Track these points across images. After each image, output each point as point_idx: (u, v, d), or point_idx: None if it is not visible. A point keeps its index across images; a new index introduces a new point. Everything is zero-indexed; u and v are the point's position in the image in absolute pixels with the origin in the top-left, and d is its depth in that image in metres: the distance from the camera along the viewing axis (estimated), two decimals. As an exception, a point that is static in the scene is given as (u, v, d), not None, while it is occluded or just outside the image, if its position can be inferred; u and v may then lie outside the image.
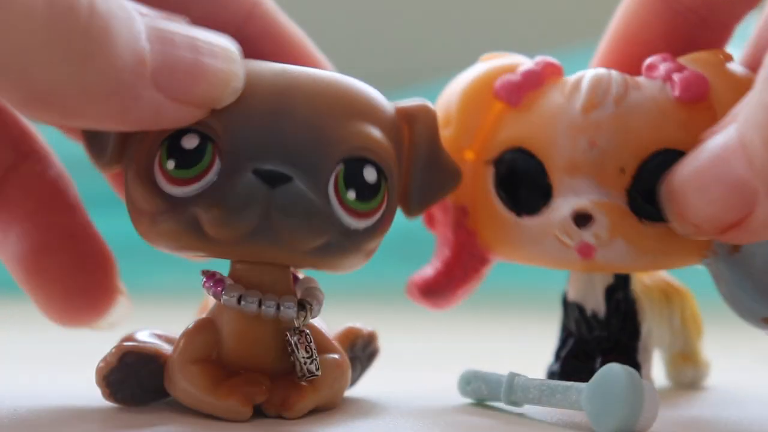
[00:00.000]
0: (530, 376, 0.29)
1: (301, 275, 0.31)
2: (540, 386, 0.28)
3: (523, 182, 0.29)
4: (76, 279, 0.32)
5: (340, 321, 0.32)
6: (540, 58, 0.29)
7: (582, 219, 0.28)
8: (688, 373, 0.33)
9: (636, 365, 0.30)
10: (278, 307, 0.28)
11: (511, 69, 0.30)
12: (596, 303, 0.30)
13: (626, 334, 0.30)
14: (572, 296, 0.31)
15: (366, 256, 0.29)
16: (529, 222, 0.29)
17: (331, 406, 0.30)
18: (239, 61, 0.27)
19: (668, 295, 0.32)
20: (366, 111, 0.28)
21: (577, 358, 0.30)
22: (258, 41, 0.31)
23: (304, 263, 0.29)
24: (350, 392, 0.32)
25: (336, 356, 0.30)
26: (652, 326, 0.31)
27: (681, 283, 0.33)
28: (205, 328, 0.29)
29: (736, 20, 0.31)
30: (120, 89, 0.24)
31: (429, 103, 0.30)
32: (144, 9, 0.25)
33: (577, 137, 0.28)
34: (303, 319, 0.29)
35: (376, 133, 0.28)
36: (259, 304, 0.28)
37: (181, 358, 0.29)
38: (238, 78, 0.27)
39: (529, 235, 0.29)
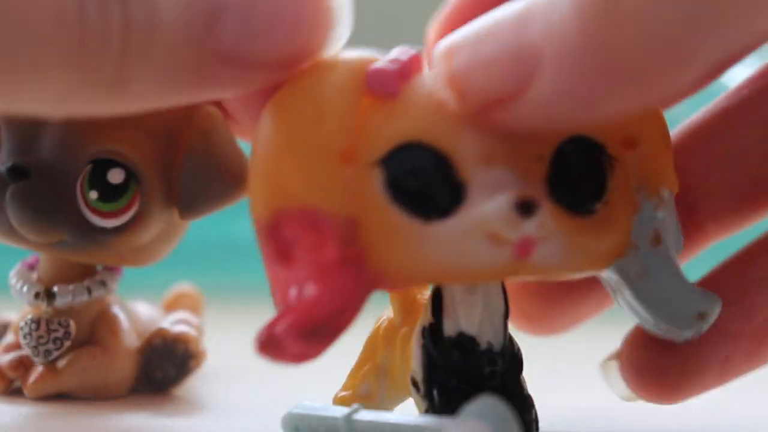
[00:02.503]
0: (372, 414, 0.25)
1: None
2: (385, 427, 0.24)
3: (427, 181, 0.24)
4: None
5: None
6: (407, 51, 0.25)
7: (527, 207, 0.24)
8: None
9: (526, 398, 0.27)
10: (22, 289, 0.32)
11: (374, 60, 0.25)
12: (494, 334, 0.26)
13: (514, 364, 0.27)
14: (459, 327, 0.26)
15: (135, 253, 0.31)
16: (441, 227, 0.24)
17: (89, 394, 0.33)
18: None
19: None
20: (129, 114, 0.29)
21: (462, 396, 0.25)
22: None
23: (68, 255, 0.31)
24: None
25: (95, 347, 0.33)
26: None
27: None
28: None
29: None
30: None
31: (210, 107, 0.31)
32: None
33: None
34: (45, 304, 0.32)
35: (133, 135, 0.30)
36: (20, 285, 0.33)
37: None
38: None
39: (444, 243, 0.24)
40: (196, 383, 0.37)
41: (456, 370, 0.26)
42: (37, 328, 0.32)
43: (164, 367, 0.34)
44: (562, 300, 0.30)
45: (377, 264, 0.24)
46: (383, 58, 0.25)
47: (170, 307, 0.39)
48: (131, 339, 0.34)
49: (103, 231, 0.30)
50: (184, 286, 0.40)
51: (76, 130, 0.30)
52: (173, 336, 0.34)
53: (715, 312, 0.26)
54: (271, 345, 0.24)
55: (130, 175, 0.30)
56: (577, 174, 0.25)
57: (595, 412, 0.33)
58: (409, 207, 0.24)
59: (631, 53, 0.21)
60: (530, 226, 0.24)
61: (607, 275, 0.26)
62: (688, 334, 0.26)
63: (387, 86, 0.25)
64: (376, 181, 0.24)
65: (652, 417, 0.32)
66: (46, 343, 0.32)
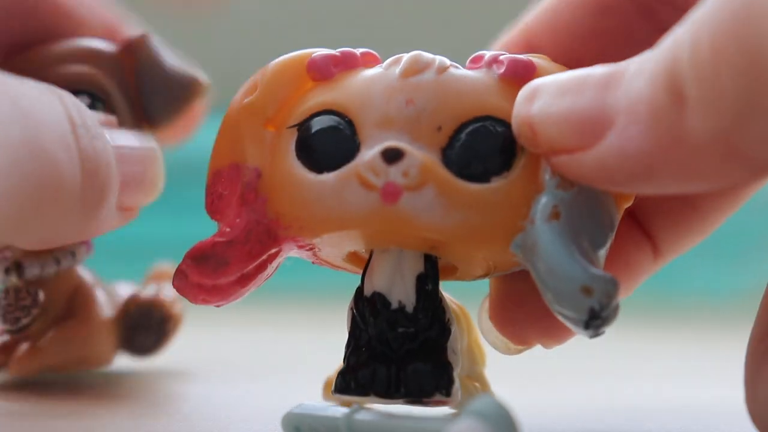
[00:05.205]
0: (372, 414, 0.25)
1: None
2: (385, 427, 0.24)
3: (329, 140, 0.27)
4: None
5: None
6: (360, 49, 0.28)
7: (391, 154, 0.26)
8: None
9: (446, 365, 0.27)
10: None
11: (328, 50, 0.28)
12: (405, 294, 0.27)
13: (435, 331, 0.27)
14: (373, 287, 0.27)
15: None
16: (328, 177, 0.27)
17: (72, 368, 0.34)
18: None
19: (457, 315, 0.29)
20: (73, 53, 0.33)
21: (376, 360, 0.26)
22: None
23: None
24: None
25: (74, 320, 0.34)
26: (456, 329, 0.28)
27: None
28: None
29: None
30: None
31: (145, 32, 0.34)
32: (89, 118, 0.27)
33: (394, 96, 0.27)
34: (15, 277, 0.33)
35: (85, 67, 0.33)
36: None
37: None
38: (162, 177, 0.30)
39: (327, 189, 0.26)
40: (192, 382, 0.37)
41: (371, 330, 0.27)
42: (6, 297, 0.33)
43: (142, 333, 0.35)
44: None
45: (275, 210, 0.27)
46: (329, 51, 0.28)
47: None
48: (108, 310, 0.35)
49: None
50: (163, 265, 0.41)
51: (32, 69, 0.31)
52: (147, 301, 0.36)
53: (604, 290, 0.25)
54: (177, 275, 0.27)
55: (94, 98, 0.32)
56: (474, 147, 0.26)
57: (593, 411, 0.33)
58: (307, 161, 0.27)
59: (692, 140, 0.22)
60: (394, 173, 0.26)
61: (518, 259, 0.26)
62: (580, 315, 0.25)
63: (321, 69, 0.28)
64: (289, 141, 0.28)
65: (650, 417, 0.32)
66: (14, 311, 0.33)
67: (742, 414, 0.26)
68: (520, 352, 0.30)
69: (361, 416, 0.25)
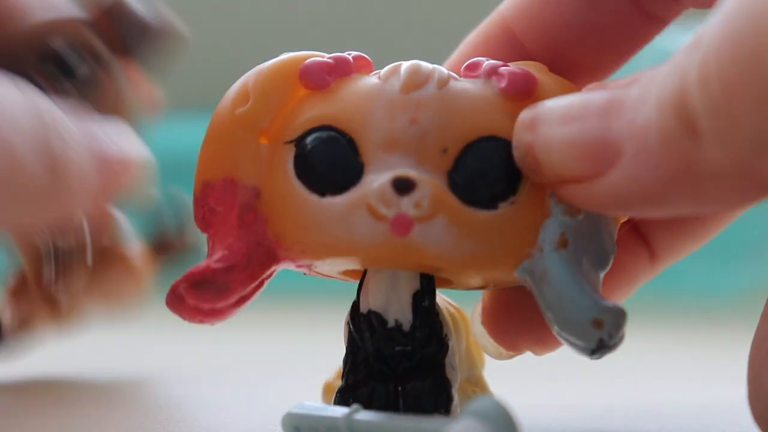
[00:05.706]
0: (372, 414, 0.24)
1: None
2: (385, 427, 0.24)
3: (331, 160, 0.26)
4: None
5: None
6: (352, 52, 0.28)
7: (403, 184, 0.25)
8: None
9: (445, 382, 0.27)
10: None
11: (320, 56, 0.27)
12: (401, 312, 0.26)
13: (433, 347, 0.27)
14: (369, 305, 0.27)
15: None
16: (333, 201, 0.26)
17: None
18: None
19: (455, 319, 0.29)
20: (58, 27, 0.34)
21: (374, 379, 0.26)
22: None
23: None
24: None
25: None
26: (454, 344, 0.28)
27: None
28: None
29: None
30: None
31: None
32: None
33: (397, 114, 0.26)
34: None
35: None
36: None
37: None
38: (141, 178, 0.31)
39: (333, 215, 0.25)
40: (191, 383, 0.37)
41: (368, 348, 0.26)
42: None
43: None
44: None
45: (276, 232, 0.26)
46: (322, 56, 0.27)
47: None
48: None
49: None
50: None
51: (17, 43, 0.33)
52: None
53: (614, 322, 0.25)
54: (172, 296, 0.26)
55: (81, 56, 0.34)
56: (480, 171, 0.26)
57: (593, 411, 0.33)
58: (309, 182, 0.26)
59: (710, 169, 0.22)
60: (405, 204, 0.25)
61: (522, 281, 0.26)
62: (588, 345, 0.25)
63: (315, 78, 0.27)
64: (287, 157, 0.27)
65: (650, 417, 0.32)
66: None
67: (743, 413, 0.26)
68: (511, 357, 0.30)
69: (361, 416, 0.25)
